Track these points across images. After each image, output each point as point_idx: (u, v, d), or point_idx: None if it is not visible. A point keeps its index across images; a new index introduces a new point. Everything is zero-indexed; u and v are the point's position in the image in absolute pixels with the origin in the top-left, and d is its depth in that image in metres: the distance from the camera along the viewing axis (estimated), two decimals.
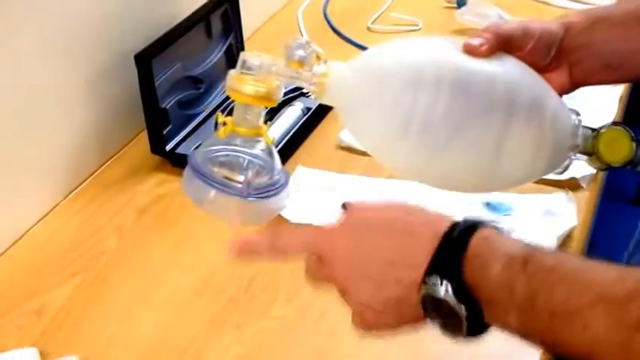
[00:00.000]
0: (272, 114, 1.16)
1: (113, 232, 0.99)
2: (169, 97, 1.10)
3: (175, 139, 1.11)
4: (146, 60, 1.03)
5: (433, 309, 0.59)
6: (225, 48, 1.20)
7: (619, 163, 0.74)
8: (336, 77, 0.69)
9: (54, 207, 1.04)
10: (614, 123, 0.74)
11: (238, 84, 0.71)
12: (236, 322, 0.85)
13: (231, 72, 0.71)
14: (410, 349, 0.82)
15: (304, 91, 1.16)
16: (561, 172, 0.74)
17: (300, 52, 0.69)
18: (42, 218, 1.01)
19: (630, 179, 2.35)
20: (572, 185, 1.01)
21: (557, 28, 0.76)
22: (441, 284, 0.58)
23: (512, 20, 0.75)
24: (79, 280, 0.92)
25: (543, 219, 0.96)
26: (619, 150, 0.73)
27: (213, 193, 0.72)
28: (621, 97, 1.20)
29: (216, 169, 0.73)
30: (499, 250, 0.59)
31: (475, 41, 0.69)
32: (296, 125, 1.14)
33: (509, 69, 0.70)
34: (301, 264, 0.91)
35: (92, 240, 0.98)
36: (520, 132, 0.69)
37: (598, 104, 1.16)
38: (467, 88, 0.68)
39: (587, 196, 1.02)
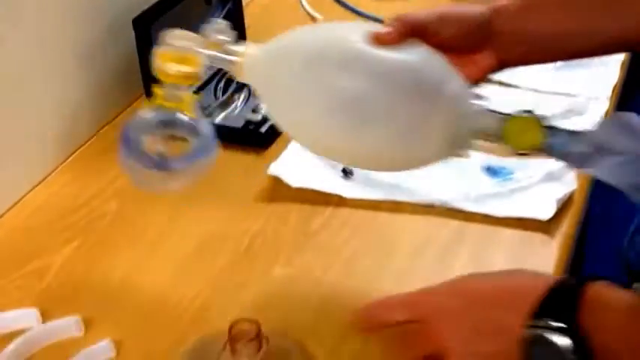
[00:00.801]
0: None
1: (113, 195, 0.98)
2: None
3: None
4: (145, 24, 1.02)
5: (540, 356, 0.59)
6: (223, 14, 1.20)
7: (528, 150, 0.74)
8: (250, 57, 0.75)
9: (53, 170, 1.03)
10: (525, 111, 0.74)
11: (163, 63, 0.76)
12: (236, 282, 0.85)
13: (156, 50, 0.76)
14: None
15: None
16: (467, 156, 0.76)
17: (219, 35, 0.75)
18: (41, 181, 1.01)
19: None
20: None
21: (484, 12, 0.77)
22: (554, 330, 0.58)
23: (429, 8, 0.77)
24: (79, 242, 0.91)
25: (544, 183, 0.96)
26: (528, 137, 0.73)
27: (133, 163, 0.79)
28: (623, 63, 1.20)
29: (142, 139, 0.79)
30: (618, 299, 0.59)
31: (382, 30, 0.72)
32: None
33: (410, 54, 0.73)
34: (300, 227, 0.92)
35: (92, 203, 0.97)
36: (417, 114, 0.72)
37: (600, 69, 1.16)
38: (365, 71, 0.71)
39: None
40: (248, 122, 1.07)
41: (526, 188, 0.95)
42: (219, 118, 1.09)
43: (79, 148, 1.07)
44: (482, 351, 0.62)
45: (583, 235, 1.68)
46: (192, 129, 0.80)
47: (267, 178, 0.98)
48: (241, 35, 1.22)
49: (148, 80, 1.05)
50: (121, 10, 1.08)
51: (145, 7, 1.06)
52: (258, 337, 0.71)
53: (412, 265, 0.87)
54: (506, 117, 0.73)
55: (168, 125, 0.79)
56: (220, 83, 1.14)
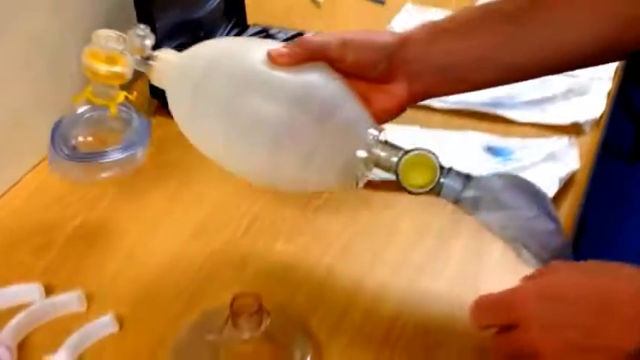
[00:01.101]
0: None
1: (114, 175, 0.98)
2: (169, 41, 1.09)
3: None
4: (147, 2, 1.02)
5: None
6: None
7: (419, 190, 0.74)
8: (164, 63, 0.78)
9: None
10: (426, 150, 0.73)
11: (91, 63, 0.79)
12: (236, 261, 0.85)
13: (85, 50, 0.80)
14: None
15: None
16: (358, 185, 0.75)
17: (139, 40, 0.78)
18: (43, 160, 1.01)
19: (627, 134, 2.36)
20: (574, 130, 1.02)
21: (390, 41, 0.77)
22: None
23: (337, 32, 0.77)
24: (80, 220, 0.92)
25: (545, 163, 0.96)
26: (421, 176, 0.73)
27: (55, 156, 0.86)
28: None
29: (72, 134, 0.86)
30: None
31: (276, 51, 0.73)
32: None
33: (302, 77, 0.73)
34: (300, 207, 0.92)
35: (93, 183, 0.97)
36: (303, 136, 0.72)
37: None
38: (255, 89, 0.73)
39: (589, 141, 1.02)
40: None
41: (527, 168, 0.96)
42: None
43: None
44: None
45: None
46: (123, 123, 0.87)
47: None
48: (241, 15, 1.22)
49: None
50: None
51: None
52: (260, 311, 0.72)
53: (412, 246, 0.88)
54: (402, 152, 0.74)
55: (98, 120, 0.86)
56: None
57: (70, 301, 0.80)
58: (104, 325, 0.78)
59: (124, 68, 0.79)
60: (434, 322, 0.79)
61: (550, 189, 0.91)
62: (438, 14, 1.28)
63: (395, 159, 0.73)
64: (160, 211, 0.94)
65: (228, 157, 0.77)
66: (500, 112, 1.05)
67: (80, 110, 0.87)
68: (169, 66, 0.78)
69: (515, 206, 0.71)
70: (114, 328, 0.78)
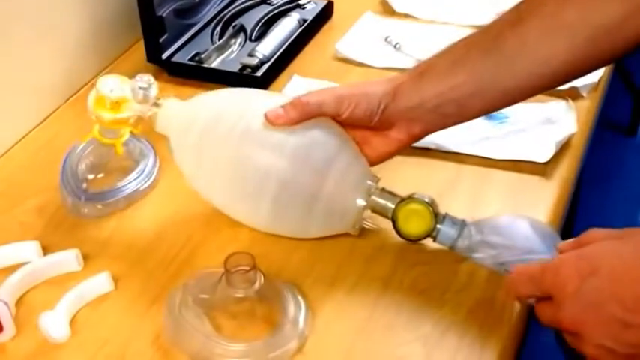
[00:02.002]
0: (268, 25, 1.15)
1: None
2: (166, 5, 1.09)
3: (171, 48, 1.10)
4: None
5: None
6: None
7: (415, 237, 0.79)
8: (167, 110, 0.81)
9: (54, 111, 1.04)
10: (420, 198, 0.78)
11: (97, 111, 0.83)
12: (232, 223, 0.85)
13: (91, 95, 0.83)
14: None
15: (300, 2, 1.17)
16: (358, 230, 0.80)
17: (143, 92, 0.81)
18: (42, 122, 1.02)
19: (624, 107, 2.36)
20: (572, 94, 1.01)
21: (384, 90, 0.80)
22: None
23: (332, 88, 0.82)
24: None
25: (542, 126, 0.96)
26: (417, 224, 0.79)
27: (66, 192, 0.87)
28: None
29: (78, 169, 0.88)
30: None
31: (273, 114, 0.77)
32: (292, 36, 1.13)
33: (302, 133, 0.78)
34: None
35: None
36: (303, 187, 0.77)
37: None
38: (254, 145, 0.78)
39: (587, 105, 1.02)
40: (244, 66, 1.06)
41: (523, 131, 0.96)
42: (215, 63, 1.09)
43: (79, 90, 1.07)
44: (626, 342, 0.60)
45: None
46: (131, 163, 0.89)
47: None
48: None
49: (147, 23, 1.05)
50: None
51: None
52: (254, 269, 0.72)
53: None
54: (399, 200, 0.79)
55: (104, 159, 0.89)
56: (217, 28, 1.14)
57: (67, 259, 0.80)
58: (100, 283, 0.78)
59: (129, 114, 0.82)
60: (427, 279, 0.79)
61: (546, 153, 0.91)
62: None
63: (392, 206, 0.79)
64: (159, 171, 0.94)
65: (230, 209, 0.82)
66: None
67: (85, 143, 0.89)
68: (173, 115, 0.81)
69: (509, 245, 0.75)
70: (110, 287, 0.79)
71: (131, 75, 1.07)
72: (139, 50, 1.11)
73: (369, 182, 0.80)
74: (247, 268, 0.72)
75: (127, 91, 0.82)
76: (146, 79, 0.81)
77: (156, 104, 0.82)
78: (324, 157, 0.78)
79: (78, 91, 1.07)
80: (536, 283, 0.65)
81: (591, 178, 1.86)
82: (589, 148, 1.00)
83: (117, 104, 0.83)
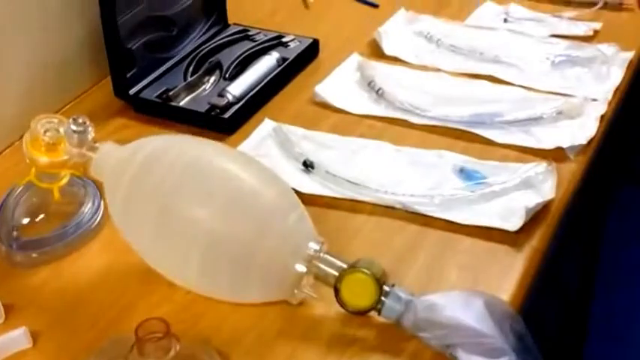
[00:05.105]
0: (246, 62, 1.09)
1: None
2: (136, 37, 1.04)
3: (141, 83, 1.05)
4: None
5: None
6: None
7: (357, 310, 0.72)
8: (103, 156, 0.77)
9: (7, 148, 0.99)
10: (365, 268, 0.71)
11: (31, 154, 0.78)
12: (167, 281, 0.79)
13: (25, 138, 0.79)
14: None
15: (283, 40, 1.11)
16: (297, 299, 0.74)
17: (78, 136, 0.76)
18: None
19: None
20: (557, 156, 0.94)
21: None
22: None
23: None
24: None
25: (517, 190, 0.88)
26: (361, 296, 0.71)
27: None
28: (630, 62, 1.12)
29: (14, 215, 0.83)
30: None
31: None
32: (268, 76, 1.07)
33: (240, 182, 0.74)
34: None
35: None
36: (237, 248, 0.71)
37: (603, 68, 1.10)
38: (186, 193, 0.73)
39: (573, 168, 0.94)
40: (212, 107, 1.01)
41: (497, 195, 0.88)
42: (184, 101, 1.03)
43: None
44: None
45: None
46: (74, 206, 0.84)
47: None
48: (222, 17, 1.16)
49: (114, 55, 1.00)
50: None
51: None
52: (168, 336, 0.66)
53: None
54: (343, 269, 0.72)
55: (45, 200, 0.83)
56: (192, 63, 1.08)
57: None
58: (16, 339, 0.73)
59: (66, 156, 0.78)
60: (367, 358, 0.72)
61: (516, 220, 0.84)
62: (429, 23, 1.21)
63: (335, 274, 0.72)
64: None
65: (159, 265, 0.76)
66: (480, 131, 0.98)
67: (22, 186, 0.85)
68: (108, 161, 0.77)
69: (458, 326, 0.68)
70: (27, 344, 0.73)
71: (96, 110, 1.02)
72: (109, 85, 1.05)
73: (311, 245, 0.73)
74: (160, 335, 0.66)
75: (64, 132, 0.77)
76: (81, 121, 0.77)
77: (92, 148, 0.77)
78: (260, 212, 0.73)
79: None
80: None
81: (616, 240, 1.75)
82: (573, 207, 0.92)
83: (53, 146, 0.78)
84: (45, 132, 0.78)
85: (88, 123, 0.77)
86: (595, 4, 1.23)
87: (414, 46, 1.16)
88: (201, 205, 0.72)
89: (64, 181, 0.83)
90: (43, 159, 0.79)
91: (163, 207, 0.73)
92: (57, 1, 1.02)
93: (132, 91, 1.03)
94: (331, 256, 0.73)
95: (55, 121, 0.79)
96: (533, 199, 0.86)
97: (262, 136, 0.97)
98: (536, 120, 0.99)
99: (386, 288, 0.71)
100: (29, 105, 1.00)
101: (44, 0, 1.00)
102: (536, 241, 0.84)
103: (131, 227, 0.76)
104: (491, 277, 0.80)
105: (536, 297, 0.83)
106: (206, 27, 1.14)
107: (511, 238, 0.83)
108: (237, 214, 0.72)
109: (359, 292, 0.72)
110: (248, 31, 1.15)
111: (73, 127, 0.76)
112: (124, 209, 0.76)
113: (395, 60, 1.13)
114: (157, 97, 1.03)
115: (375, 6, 1.26)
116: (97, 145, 0.78)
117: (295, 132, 0.99)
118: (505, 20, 1.21)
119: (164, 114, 1.02)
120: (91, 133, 0.77)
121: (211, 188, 0.73)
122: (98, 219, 0.85)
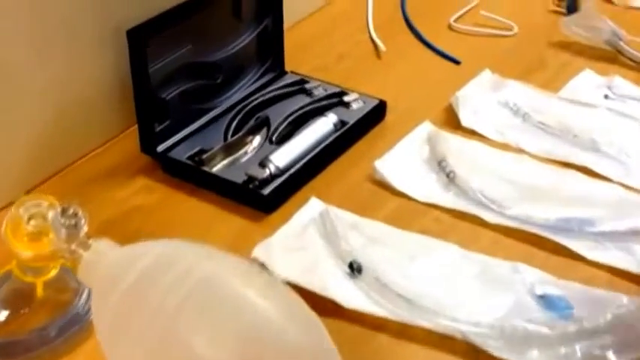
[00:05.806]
0: (299, 122, 0.93)
1: None
2: (171, 85, 0.89)
3: (173, 137, 0.90)
4: (139, 37, 0.82)
5: None
6: (257, 32, 0.98)
7: None
8: (92, 257, 0.63)
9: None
10: None
11: (12, 244, 0.65)
12: None
13: (5, 222, 0.66)
14: None
15: (345, 98, 0.95)
16: None
17: (66, 231, 0.62)
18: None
19: None
20: None
21: None
22: None
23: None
24: None
25: (604, 334, 0.71)
26: None
27: None
28: None
29: None
30: None
31: None
32: (321, 144, 0.91)
33: (260, 316, 0.58)
34: None
35: None
36: None
37: None
38: (190, 323, 0.57)
39: None
40: (250, 178, 0.85)
41: (590, 335, 0.70)
42: (219, 166, 0.88)
43: (47, 179, 0.88)
44: None
45: None
46: (68, 295, 0.70)
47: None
48: (278, 63, 1.01)
49: (142, 106, 0.86)
50: (118, 16, 0.87)
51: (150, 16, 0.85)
52: None
53: None
54: None
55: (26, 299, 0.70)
56: (236, 118, 0.93)
57: None
58: None
59: (51, 247, 0.64)
60: None
61: None
62: (517, 90, 1.03)
63: None
64: None
65: None
66: (566, 242, 0.80)
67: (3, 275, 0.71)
68: (101, 263, 0.63)
69: None
70: None
71: (117, 166, 0.89)
72: (135, 137, 0.91)
73: None
74: None
75: (51, 222, 0.63)
76: (71, 212, 0.62)
77: (83, 244, 0.63)
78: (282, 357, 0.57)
79: (44, 182, 0.88)
80: None
81: None
82: None
83: (38, 236, 0.64)
84: (29, 219, 0.64)
85: (80, 214, 0.63)
86: None
87: (496, 119, 0.98)
88: (212, 338, 0.57)
89: (52, 274, 0.69)
90: (26, 253, 0.65)
91: (163, 333, 0.58)
92: (86, 33, 0.87)
93: (160, 148, 0.89)
94: None
95: (45, 204, 0.65)
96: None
97: (306, 221, 0.81)
98: (638, 235, 0.81)
99: None
100: (44, 155, 0.87)
101: (74, 29, 0.85)
102: None
103: (119, 350, 0.61)
104: None
105: None
106: (257, 75, 0.99)
107: None
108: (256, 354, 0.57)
109: None
110: (306, 82, 1.00)
111: (62, 220, 0.62)
112: (113, 326, 0.61)
113: (472, 133, 0.96)
114: (188, 157, 0.88)
115: (456, 62, 1.10)
116: (90, 241, 0.63)
117: (344, 218, 0.82)
118: (606, 96, 1.03)
119: (195, 179, 0.87)
120: (84, 228, 0.63)
121: (226, 315, 0.58)
122: (87, 318, 0.71)
